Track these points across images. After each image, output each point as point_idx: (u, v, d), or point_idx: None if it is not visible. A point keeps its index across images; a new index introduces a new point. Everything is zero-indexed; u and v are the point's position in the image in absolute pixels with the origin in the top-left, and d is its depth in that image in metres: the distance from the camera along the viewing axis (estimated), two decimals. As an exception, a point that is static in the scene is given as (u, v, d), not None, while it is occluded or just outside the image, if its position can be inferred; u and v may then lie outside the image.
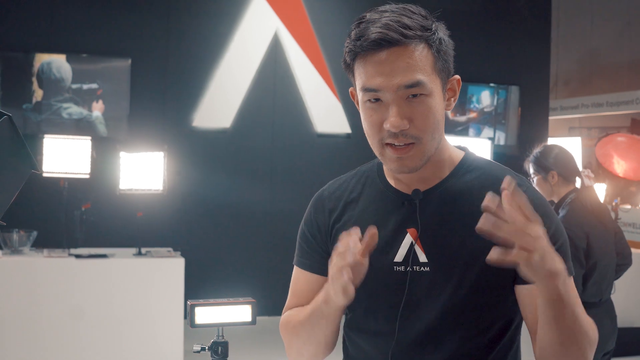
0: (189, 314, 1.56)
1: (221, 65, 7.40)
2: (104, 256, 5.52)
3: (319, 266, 1.67)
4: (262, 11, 7.51)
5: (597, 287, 3.70)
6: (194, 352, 1.62)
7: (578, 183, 3.87)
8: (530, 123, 8.48)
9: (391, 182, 1.63)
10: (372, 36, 1.45)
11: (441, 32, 1.52)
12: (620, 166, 6.85)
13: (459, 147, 1.68)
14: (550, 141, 8.44)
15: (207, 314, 1.56)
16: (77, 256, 5.45)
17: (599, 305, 3.71)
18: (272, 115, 7.60)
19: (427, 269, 1.54)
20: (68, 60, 6.88)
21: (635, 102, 9.72)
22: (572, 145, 8.08)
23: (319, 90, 7.64)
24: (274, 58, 7.59)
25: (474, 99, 8.20)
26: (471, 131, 8.07)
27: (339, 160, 7.52)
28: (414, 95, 1.47)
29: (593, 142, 9.24)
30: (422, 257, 1.55)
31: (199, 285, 6.20)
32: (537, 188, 3.79)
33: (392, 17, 1.46)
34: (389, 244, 1.58)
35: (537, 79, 8.60)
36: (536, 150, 3.89)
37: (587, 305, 3.65)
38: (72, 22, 6.99)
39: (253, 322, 1.56)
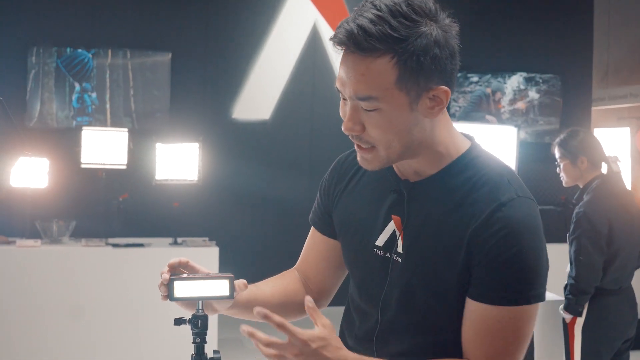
0: (168, 288, 1.58)
1: (260, 57, 7.45)
2: (140, 245, 5.62)
3: (321, 224, 1.78)
4: (301, 3, 7.54)
5: (619, 275, 3.65)
6: (174, 325, 1.64)
7: (604, 169, 3.82)
8: (572, 113, 8.32)
9: (395, 165, 1.59)
10: (335, 38, 1.41)
11: (426, 40, 1.38)
12: (660, 155, 6.68)
13: (467, 136, 1.59)
14: (598, 132, 8.28)
15: (186, 288, 1.57)
16: (115, 245, 5.56)
17: (618, 292, 3.66)
18: (311, 107, 7.62)
19: (399, 259, 1.54)
20: (112, 55, 7.01)
21: (686, 90, 9.45)
22: (621, 136, 7.92)
23: (358, 81, 7.62)
24: (313, 49, 7.61)
25: (514, 89, 8.08)
26: (510, 121, 7.96)
27: (377, 151, 7.50)
28: (369, 109, 1.42)
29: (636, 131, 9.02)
30: (400, 247, 1.54)
31: (234, 275, 6.22)
32: (563, 173, 3.77)
33: (363, 21, 1.37)
34: (376, 225, 1.60)
35: (579, 68, 8.44)
36: (562, 135, 3.86)
37: (607, 293, 3.63)
38: (113, 18, 7.11)
39: (231, 296, 1.57)
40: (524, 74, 8.11)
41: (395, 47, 1.36)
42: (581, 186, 3.76)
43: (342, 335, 1.75)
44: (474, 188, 1.48)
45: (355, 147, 1.51)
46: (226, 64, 7.41)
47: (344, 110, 1.47)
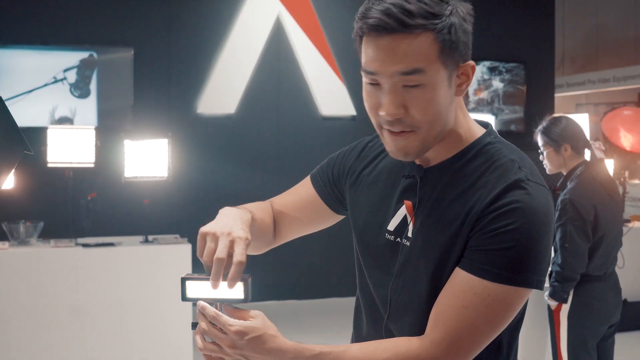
0: (180, 288, 1.51)
1: (224, 50, 7.38)
2: (111, 245, 5.53)
3: (325, 190, 1.80)
4: (264, -5, 7.49)
5: (604, 261, 3.68)
6: (192, 329, 1.56)
7: (587, 155, 3.85)
8: (536, 100, 8.42)
9: None
10: (370, 21, 1.37)
11: (456, 16, 1.40)
12: (627, 140, 6.79)
13: (483, 124, 1.60)
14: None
15: (198, 289, 1.49)
16: (85, 245, 5.45)
17: (603, 278, 3.69)
18: (277, 100, 7.58)
19: (408, 243, 1.54)
20: (72, 51, 6.88)
21: (642, 76, 9.64)
22: (580, 122, 8.03)
23: (323, 73, 7.61)
24: (277, 42, 7.56)
25: (478, 79, 8.14)
26: (476, 112, 8.02)
27: (345, 142, 7.40)
28: (412, 85, 1.40)
29: (600, 117, 9.16)
30: (409, 232, 1.54)
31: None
32: (547, 161, 3.79)
33: (397, 0, 1.36)
34: (389, 210, 1.60)
35: (542, 56, 8.54)
36: (545, 122, 3.86)
37: (591, 279, 3.66)
38: (74, 14, 6.98)
39: (246, 299, 1.49)
40: (487, 64, 8.17)
41: (434, 22, 1.37)
42: (565, 173, 3.79)
43: (356, 323, 1.75)
44: (485, 172, 1.47)
45: (390, 135, 1.46)
46: (190, 58, 7.33)
47: (375, 97, 1.44)
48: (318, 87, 7.60)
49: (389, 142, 1.48)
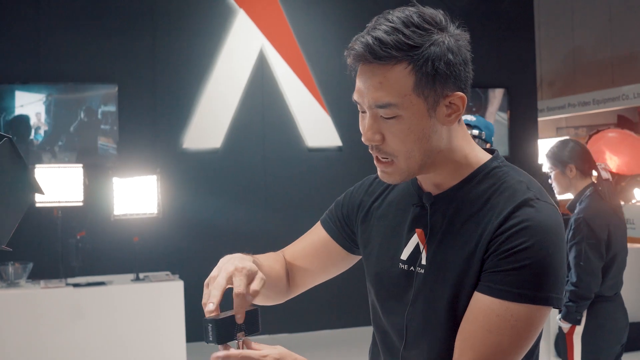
0: (205, 329, 1.48)
1: (209, 85, 7.38)
2: (102, 284, 5.48)
3: (337, 231, 1.80)
4: (247, 29, 7.51)
5: (615, 280, 3.71)
6: None
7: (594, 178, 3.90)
8: (520, 125, 8.49)
9: (418, 178, 1.63)
10: (352, 52, 1.45)
11: (439, 47, 1.43)
12: (613, 162, 6.84)
13: (489, 150, 1.62)
14: (539, 143, 8.45)
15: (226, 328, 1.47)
16: (75, 285, 5.40)
17: (614, 299, 3.72)
18: (262, 132, 7.58)
19: (422, 271, 1.55)
20: (56, 89, 6.85)
21: (622, 98, 9.74)
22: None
23: (308, 104, 7.63)
24: (261, 75, 7.58)
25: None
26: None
27: (331, 173, 7.51)
28: (388, 117, 1.45)
29: (582, 140, 9.23)
30: (423, 259, 1.55)
31: (200, 308, 6.09)
32: (555, 183, 3.84)
33: (378, 33, 1.42)
34: (401, 239, 1.62)
35: (523, 81, 8.62)
36: (553, 146, 3.94)
37: (604, 299, 3.67)
38: (57, 51, 6.96)
39: (257, 330, 1.46)
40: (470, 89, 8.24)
41: (410, 54, 1.41)
42: (573, 195, 3.83)
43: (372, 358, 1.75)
44: (494, 194, 1.50)
45: (375, 161, 1.53)
46: (174, 93, 7.32)
47: (363, 123, 1.51)
48: (303, 119, 7.62)
49: (377, 167, 1.54)
